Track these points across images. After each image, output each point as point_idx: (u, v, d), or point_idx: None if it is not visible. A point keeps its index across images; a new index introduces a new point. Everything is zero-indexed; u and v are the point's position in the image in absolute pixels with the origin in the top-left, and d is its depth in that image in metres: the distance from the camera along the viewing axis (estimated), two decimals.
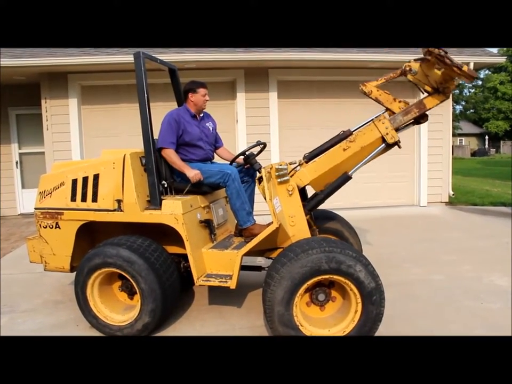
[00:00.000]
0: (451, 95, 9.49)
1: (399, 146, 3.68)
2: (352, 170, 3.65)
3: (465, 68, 3.12)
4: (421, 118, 3.70)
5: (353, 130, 3.74)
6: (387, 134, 3.54)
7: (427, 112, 3.65)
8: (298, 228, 3.57)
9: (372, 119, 3.63)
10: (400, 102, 3.63)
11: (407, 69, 3.52)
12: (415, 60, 3.53)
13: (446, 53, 3.13)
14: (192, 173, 3.82)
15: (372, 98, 3.64)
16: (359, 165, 3.66)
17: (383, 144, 3.60)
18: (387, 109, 3.67)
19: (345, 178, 3.64)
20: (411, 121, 3.70)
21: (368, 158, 3.64)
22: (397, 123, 3.57)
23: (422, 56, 3.38)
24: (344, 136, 3.72)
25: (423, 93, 3.68)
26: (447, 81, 3.44)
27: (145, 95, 3.63)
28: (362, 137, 3.58)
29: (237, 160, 4.22)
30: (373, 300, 3.05)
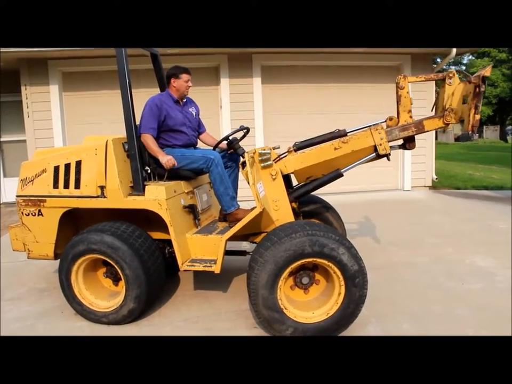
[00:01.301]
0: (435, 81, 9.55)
1: (388, 159, 3.72)
2: (344, 170, 3.68)
3: (477, 117, 3.24)
4: (408, 142, 3.73)
5: (349, 132, 3.75)
6: (380, 144, 3.55)
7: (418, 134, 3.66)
8: (282, 212, 3.59)
9: (369, 126, 3.63)
10: (411, 117, 3.62)
11: (450, 75, 3.50)
12: (460, 75, 3.53)
13: (484, 93, 3.21)
14: (165, 159, 3.77)
15: (397, 94, 3.59)
16: (348, 167, 3.69)
17: (374, 154, 3.62)
18: (396, 114, 3.65)
19: (337, 174, 3.68)
20: (399, 142, 3.75)
21: (356, 163, 3.67)
22: (392, 137, 3.59)
23: (469, 76, 3.33)
24: (338, 135, 3.72)
25: (432, 109, 3.74)
26: (456, 113, 3.47)
27: (127, 80, 3.59)
28: (356, 141, 3.58)
29: (220, 145, 4.21)
30: (356, 282, 3.08)
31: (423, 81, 3.68)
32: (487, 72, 3.20)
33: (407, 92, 3.58)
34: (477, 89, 3.22)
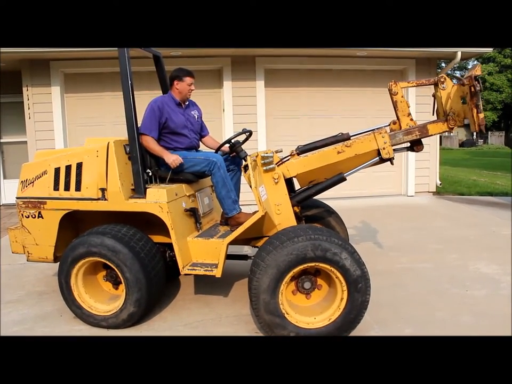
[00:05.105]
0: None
1: (392, 163, 3.69)
2: (347, 174, 3.65)
3: (481, 115, 3.21)
4: (416, 145, 3.71)
5: (352, 136, 3.72)
6: (384, 148, 3.52)
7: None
8: (284, 216, 3.56)
9: (372, 129, 3.61)
10: (411, 120, 3.59)
11: (442, 80, 3.48)
12: (453, 78, 3.50)
13: (481, 91, 3.17)
14: (171, 158, 3.76)
15: (392, 100, 3.57)
16: (351, 171, 3.66)
17: (377, 158, 3.59)
18: (397, 120, 3.62)
19: (340, 178, 3.65)
20: (406, 145, 3.72)
21: (360, 167, 3.64)
22: (396, 140, 3.55)
23: (462, 79, 3.32)
24: (341, 138, 3.69)
25: (433, 113, 3.70)
26: (459, 115, 3.45)
27: (129, 82, 3.56)
28: (359, 145, 3.55)
29: (223, 148, 4.18)
30: (359, 288, 3.04)
31: (415, 86, 3.67)
32: (477, 71, 3.19)
33: (402, 96, 3.56)
34: (472, 89, 3.19)
